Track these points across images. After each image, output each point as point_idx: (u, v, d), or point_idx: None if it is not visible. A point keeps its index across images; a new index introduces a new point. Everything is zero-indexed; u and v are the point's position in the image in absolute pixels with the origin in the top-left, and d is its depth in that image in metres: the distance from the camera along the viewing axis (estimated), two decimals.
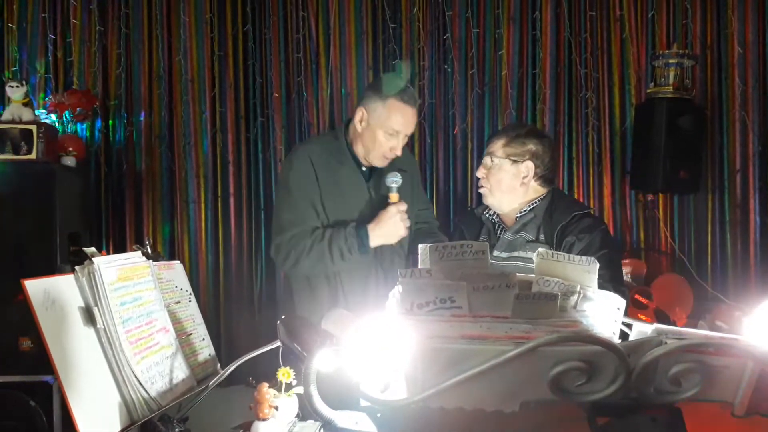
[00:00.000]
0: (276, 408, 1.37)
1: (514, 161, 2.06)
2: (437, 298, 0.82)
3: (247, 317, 3.34)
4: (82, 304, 1.35)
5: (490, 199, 2.11)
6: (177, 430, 1.37)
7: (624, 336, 0.87)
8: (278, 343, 1.49)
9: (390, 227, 2.13)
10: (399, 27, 3.30)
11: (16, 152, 2.98)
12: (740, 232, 3.18)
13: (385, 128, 2.16)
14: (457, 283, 0.82)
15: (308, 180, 2.20)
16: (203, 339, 1.85)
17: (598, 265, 0.91)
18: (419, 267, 0.93)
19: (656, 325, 0.80)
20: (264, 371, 1.60)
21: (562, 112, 3.29)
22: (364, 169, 2.28)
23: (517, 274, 0.90)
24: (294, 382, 1.48)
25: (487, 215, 2.17)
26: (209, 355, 1.84)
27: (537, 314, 0.80)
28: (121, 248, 3.41)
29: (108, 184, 3.41)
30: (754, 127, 3.15)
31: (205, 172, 3.38)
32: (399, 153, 2.20)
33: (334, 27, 3.31)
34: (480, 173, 2.12)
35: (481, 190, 2.14)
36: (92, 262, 1.37)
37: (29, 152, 2.98)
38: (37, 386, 2.94)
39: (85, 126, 3.34)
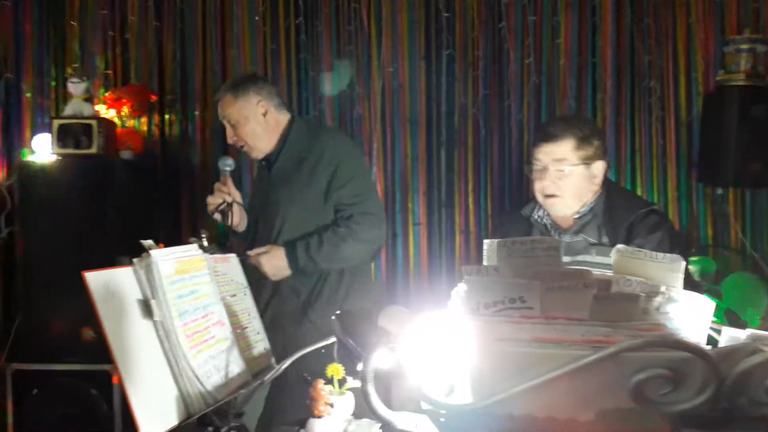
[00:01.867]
0: (332, 405, 1.34)
1: (587, 164, 1.89)
2: (506, 298, 0.77)
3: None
4: (140, 297, 1.36)
5: (558, 207, 1.92)
6: (232, 424, 1.36)
7: (712, 341, 0.80)
8: (333, 339, 1.47)
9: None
10: (453, 16, 3.22)
11: (77, 146, 3.06)
12: None
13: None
14: (529, 282, 0.77)
15: None
16: (258, 333, 1.85)
17: (684, 263, 0.84)
18: (484, 264, 0.88)
19: (751, 331, 0.73)
20: (321, 368, 1.59)
21: (624, 102, 3.16)
22: (263, 162, 2.50)
23: (594, 272, 0.84)
24: (347, 379, 1.45)
25: (537, 217, 2.00)
26: (264, 349, 1.83)
27: (616, 316, 0.74)
28: (176, 242, 3.45)
29: (163, 178, 3.47)
30: None
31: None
32: (229, 141, 2.43)
33: (386, 17, 3.26)
34: (550, 189, 1.88)
35: (550, 200, 1.91)
36: (150, 255, 1.37)
37: (90, 146, 3.05)
38: (99, 375, 3.05)
39: (141, 121, 3.40)
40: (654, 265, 0.83)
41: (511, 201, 3.23)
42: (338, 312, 1.48)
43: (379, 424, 1.43)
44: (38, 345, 3.08)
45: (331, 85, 3.31)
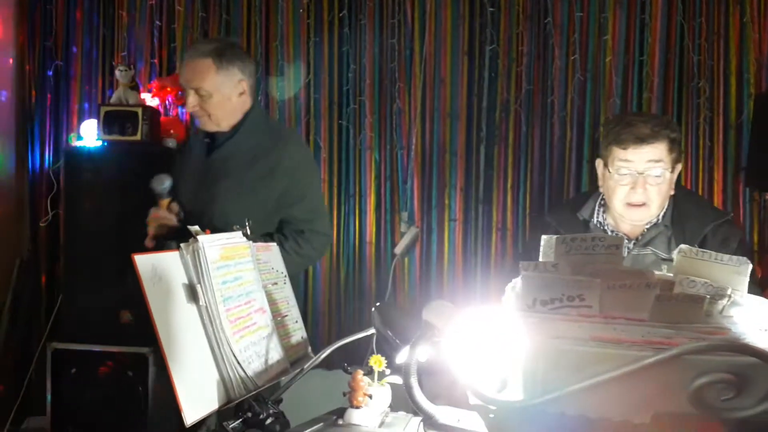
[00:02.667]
0: (370, 397, 1.34)
1: (674, 169, 1.76)
2: (564, 295, 0.75)
3: (333, 304, 3.36)
4: (186, 281, 1.38)
5: (644, 217, 1.76)
6: (271, 411, 1.37)
7: None
8: (372, 330, 1.47)
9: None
10: (498, 11, 3.19)
11: (122, 133, 3.12)
12: None
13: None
14: (590, 280, 0.75)
15: None
16: (296, 321, 1.86)
17: (750, 266, 0.81)
18: (540, 260, 0.87)
19: None
20: (356, 358, 1.59)
21: (671, 102, 3.08)
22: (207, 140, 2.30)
23: (656, 273, 0.82)
24: (387, 371, 1.45)
25: (598, 222, 1.83)
26: (301, 337, 1.84)
27: (679, 318, 0.71)
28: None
29: None
30: None
31: None
32: (189, 109, 2.21)
33: (429, 11, 3.24)
34: (644, 195, 1.71)
35: (637, 210, 1.73)
36: (197, 240, 1.39)
37: (134, 133, 3.12)
38: (135, 358, 3.11)
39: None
40: (719, 267, 0.80)
41: (551, 199, 3.18)
42: (378, 304, 1.48)
43: (417, 417, 1.42)
44: (78, 326, 3.15)
45: (372, 78, 3.30)
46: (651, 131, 1.69)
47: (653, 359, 0.65)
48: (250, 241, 1.66)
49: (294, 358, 1.71)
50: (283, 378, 1.49)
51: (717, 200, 3.03)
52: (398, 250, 3.24)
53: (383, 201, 3.33)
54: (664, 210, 1.79)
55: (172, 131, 3.25)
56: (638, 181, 1.70)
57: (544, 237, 0.90)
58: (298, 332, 1.84)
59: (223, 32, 3.45)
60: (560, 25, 3.14)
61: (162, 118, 3.29)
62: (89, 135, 3.17)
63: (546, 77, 3.17)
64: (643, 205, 1.72)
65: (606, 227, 1.84)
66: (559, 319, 0.74)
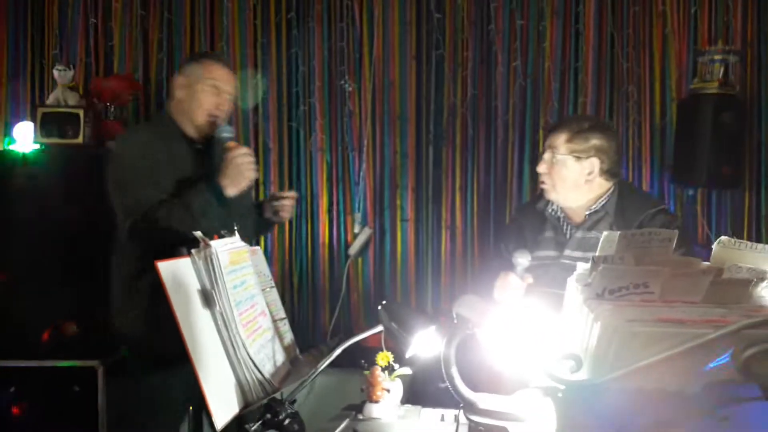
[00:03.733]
0: (388, 391, 1.40)
1: (578, 158, 2.00)
2: (631, 284, 0.84)
3: (286, 306, 3.35)
4: (199, 287, 1.37)
5: (553, 195, 2.06)
6: (289, 411, 1.40)
7: None
8: (380, 328, 1.52)
9: (233, 171, 2.09)
10: (443, 17, 3.31)
11: (62, 136, 2.97)
12: None
13: (204, 83, 2.17)
14: (657, 269, 0.85)
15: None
16: (285, 324, 1.88)
17: None
18: (600, 254, 0.96)
19: None
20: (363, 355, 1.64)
21: (604, 106, 3.32)
22: (199, 146, 2.24)
23: (694, 260, 0.93)
24: (396, 366, 1.51)
25: (551, 211, 2.10)
26: (291, 339, 1.87)
27: (728, 299, 0.83)
28: None
29: None
30: None
31: None
32: (216, 110, 2.18)
33: (378, 16, 3.32)
34: (541, 168, 2.05)
35: (543, 186, 2.07)
36: (210, 246, 1.39)
37: (76, 136, 2.98)
38: (82, 372, 2.97)
39: (125, 111, 3.33)
40: (753, 254, 0.93)
41: (496, 198, 3.34)
42: (384, 302, 1.54)
43: (428, 408, 1.49)
44: (16, 340, 2.97)
45: (322, 81, 3.34)
46: (559, 122, 2.09)
47: (716, 334, 0.75)
48: (246, 245, 1.67)
49: (288, 359, 1.73)
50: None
51: None
52: (352, 251, 3.29)
53: (335, 202, 3.37)
54: (605, 199, 2.04)
55: (115, 134, 3.12)
56: (542, 163, 2.06)
57: (604, 233, 0.99)
58: (287, 334, 1.86)
59: (164, 31, 3.36)
60: (502, 31, 3.30)
61: (103, 120, 3.15)
62: (24, 138, 2.99)
63: (490, 82, 3.32)
64: (544, 183, 2.04)
65: (558, 215, 2.09)
66: (626, 304, 0.84)
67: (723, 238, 0.97)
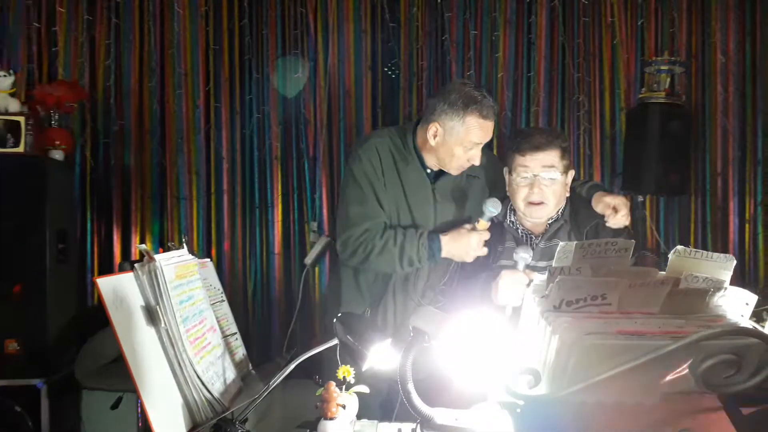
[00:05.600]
0: (344, 407, 1.36)
1: (565, 172, 1.99)
2: (589, 295, 0.83)
3: (240, 318, 3.28)
4: (143, 303, 1.31)
5: (543, 214, 1.99)
6: (240, 430, 1.34)
7: None
8: (335, 341, 1.48)
9: (463, 249, 2.03)
10: (398, 26, 3.31)
11: (2, 145, 2.84)
12: (720, 233, 3.34)
13: (464, 144, 2.06)
14: (616, 280, 0.84)
15: (375, 174, 2.14)
16: (237, 338, 1.83)
17: (734, 261, 0.95)
18: (556, 265, 0.94)
19: None
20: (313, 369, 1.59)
21: (555, 115, 3.37)
22: (429, 171, 2.18)
23: (651, 270, 0.93)
24: (353, 380, 1.47)
25: (510, 223, 2.07)
26: (243, 355, 1.82)
27: (686, 309, 0.83)
28: (107, 246, 3.31)
29: (95, 179, 3.29)
30: (735, 133, 3.30)
31: (197, 168, 3.31)
32: (478, 162, 2.10)
33: (332, 25, 3.29)
34: (540, 195, 1.95)
35: (536, 208, 1.96)
36: (154, 260, 1.33)
37: (16, 145, 2.84)
38: (24, 391, 2.83)
39: (71, 119, 3.21)
40: (708, 263, 0.93)
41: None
42: (339, 315, 1.50)
43: (384, 423, 1.46)
44: None
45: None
46: (545, 140, 1.95)
47: (674, 346, 0.75)
48: (195, 258, 1.61)
49: (240, 376, 1.68)
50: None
51: None
52: (309, 260, 3.23)
53: (291, 211, 3.32)
54: (563, 207, 2.03)
55: (58, 141, 3.00)
56: (535, 183, 1.95)
57: (560, 243, 0.98)
58: (239, 349, 1.81)
59: (112, 37, 3.26)
60: (456, 41, 3.32)
61: (47, 128, 3.02)
62: None
63: None
64: (541, 203, 1.96)
65: (516, 226, 2.07)
66: (584, 317, 0.83)
67: (679, 247, 0.97)
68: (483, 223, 2.03)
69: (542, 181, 1.94)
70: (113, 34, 3.26)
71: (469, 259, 2.04)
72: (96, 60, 3.26)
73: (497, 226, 2.10)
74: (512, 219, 2.09)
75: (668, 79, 3.11)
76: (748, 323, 0.85)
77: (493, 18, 3.32)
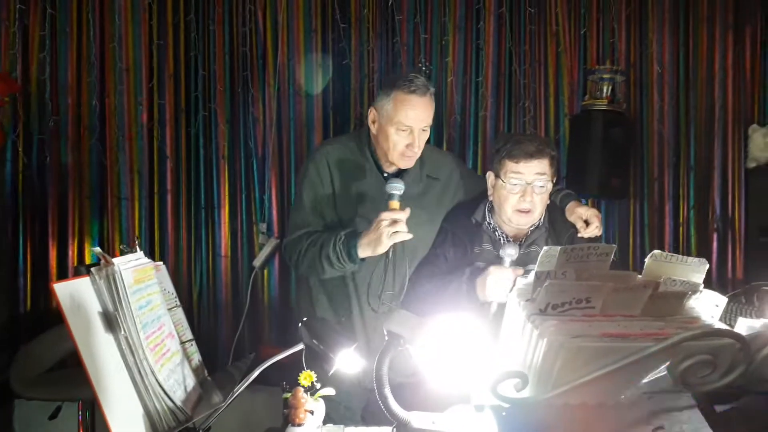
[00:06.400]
0: (311, 413, 1.34)
1: (551, 180, 1.99)
2: (574, 299, 0.85)
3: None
4: (101, 309, 1.25)
5: (529, 221, 1.99)
6: None
7: None
8: (301, 346, 1.46)
9: (374, 237, 1.94)
10: (349, 27, 3.29)
11: None
12: (657, 236, 3.49)
13: (394, 123, 2.03)
14: (600, 284, 0.86)
15: (321, 184, 2.13)
16: (192, 345, 1.77)
17: (707, 265, 0.99)
18: (540, 269, 0.95)
19: (764, 321, 0.88)
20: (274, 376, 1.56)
21: (502, 120, 3.43)
22: (386, 174, 2.15)
23: (631, 274, 0.96)
24: (318, 385, 1.45)
25: (489, 224, 2.06)
26: (198, 361, 1.76)
27: (665, 312, 0.85)
28: (42, 249, 3.13)
29: (27, 178, 3.12)
30: (670, 140, 3.46)
31: (140, 167, 3.18)
32: (416, 150, 2.06)
33: (282, 23, 3.24)
34: (530, 203, 1.94)
35: (524, 215, 1.96)
36: (112, 264, 1.27)
37: None
38: None
39: (2, 113, 3.03)
40: (683, 267, 0.97)
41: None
42: (305, 319, 1.48)
43: (350, 428, 1.45)
44: None
45: (223, 85, 3.21)
46: (536, 148, 1.95)
47: (658, 347, 0.77)
48: (151, 261, 1.55)
49: (198, 383, 1.63)
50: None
51: None
52: (257, 262, 3.18)
53: (239, 213, 3.25)
54: (544, 215, 2.05)
55: None
56: (527, 191, 1.94)
57: (544, 248, 0.99)
58: (195, 355, 1.76)
59: (47, 29, 3.09)
60: (407, 44, 3.33)
61: None
62: None
63: None
64: (529, 211, 1.96)
65: (496, 229, 2.06)
66: (569, 320, 0.84)
67: (655, 252, 1.00)
68: (393, 203, 1.94)
69: (534, 189, 1.93)
70: (48, 25, 3.09)
71: (382, 248, 1.92)
72: (30, 52, 3.09)
73: (474, 227, 2.08)
74: (492, 221, 2.07)
75: (610, 87, 3.23)
76: (720, 324, 0.89)
77: (443, 22, 3.35)
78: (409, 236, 1.93)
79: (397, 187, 1.95)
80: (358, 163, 2.15)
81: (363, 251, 1.99)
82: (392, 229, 1.92)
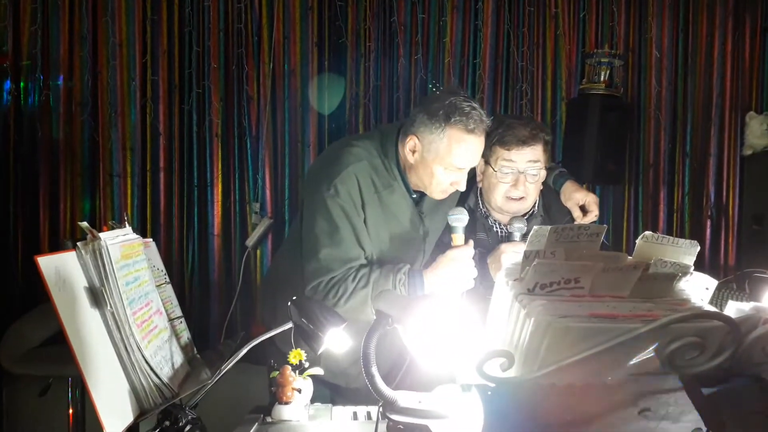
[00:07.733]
0: (299, 391, 1.33)
1: (545, 166, 1.91)
2: (563, 279, 0.84)
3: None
4: (87, 285, 1.23)
5: (522, 207, 1.89)
6: (189, 417, 1.30)
7: None
8: (290, 325, 1.45)
9: (449, 274, 1.73)
10: (345, 5, 3.24)
11: None
12: (651, 222, 3.49)
13: (444, 164, 1.76)
14: (590, 264, 0.85)
15: (356, 208, 1.80)
16: (182, 322, 1.76)
17: (698, 247, 0.98)
18: (530, 248, 0.94)
19: (754, 303, 0.88)
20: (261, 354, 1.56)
21: (499, 102, 3.41)
22: (414, 195, 1.89)
23: (621, 255, 0.95)
24: (306, 364, 1.44)
25: (483, 210, 1.97)
26: (188, 338, 1.75)
27: (654, 293, 0.85)
28: (32, 226, 3.11)
29: (19, 154, 3.08)
30: (666, 126, 3.45)
31: (132, 144, 3.16)
32: (463, 188, 1.82)
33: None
34: (523, 191, 1.85)
35: (516, 203, 1.87)
36: (98, 238, 1.25)
37: None
38: None
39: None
40: (673, 249, 0.96)
41: None
42: (294, 298, 1.47)
43: (338, 407, 1.44)
44: None
45: (217, 62, 3.17)
46: (530, 134, 1.83)
47: (646, 328, 0.76)
48: (140, 237, 1.53)
49: (186, 360, 1.62)
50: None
51: None
52: (250, 242, 3.16)
53: (232, 191, 3.23)
54: (538, 201, 1.99)
55: None
56: (519, 179, 1.85)
57: (534, 227, 0.98)
58: (184, 333, 1.75)
59: (39, 1, 3.04)
60: (404, 24, 3.30)
61: None
62: None
63: (392, 74, 3.30)
64: (522, 198, 1.88)
65: (488, 216, 1.98)
66: (557, 300, 0.83)
67: (646, 233, 0.99)
68: (457, 237, 1.76)
69: (527, 177, 1.84)
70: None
71: (469, 282, 1.74)
72: (21, 25, 3.04)
73: (469, 213, 1.93)
74: (483, 209, 1.97)
75: (608, 72, 3.20)
76: (710, 307, 0.89)
77: (441, 3, 3.32)
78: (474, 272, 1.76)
79: (461, 219, 1.76)
80: (387, 182, 1.85)
81: (431, 287, 1.76)
82: (470, 264, 1.75)
